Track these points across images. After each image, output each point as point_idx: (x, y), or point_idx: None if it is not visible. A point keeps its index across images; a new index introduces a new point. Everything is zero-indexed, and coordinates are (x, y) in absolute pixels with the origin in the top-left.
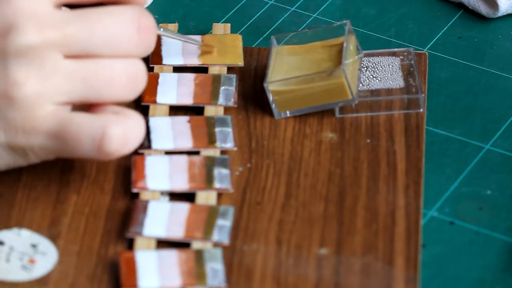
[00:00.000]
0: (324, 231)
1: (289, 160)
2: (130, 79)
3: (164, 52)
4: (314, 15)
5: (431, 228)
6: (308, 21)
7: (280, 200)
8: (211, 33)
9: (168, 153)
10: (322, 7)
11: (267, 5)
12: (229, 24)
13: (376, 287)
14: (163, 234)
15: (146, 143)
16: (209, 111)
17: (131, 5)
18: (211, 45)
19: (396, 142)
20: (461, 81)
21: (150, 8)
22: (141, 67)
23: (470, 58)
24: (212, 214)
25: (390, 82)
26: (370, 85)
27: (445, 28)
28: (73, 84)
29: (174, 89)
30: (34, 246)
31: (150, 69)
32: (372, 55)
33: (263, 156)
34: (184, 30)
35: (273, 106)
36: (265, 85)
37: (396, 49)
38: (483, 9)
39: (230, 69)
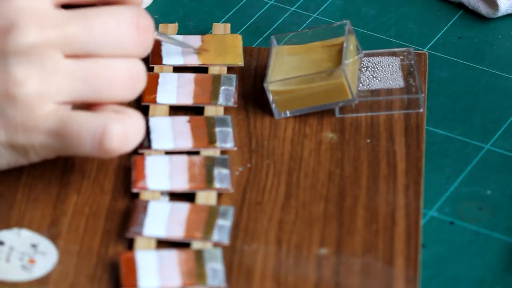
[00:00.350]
0: (324, 231)
1: (289, 160)
2: (130, 79)
3: (164, 52)
4: (314, 15)
5: (431, 228)
6: (308, 21)
7: (280, 200)
8: (211, 33)
9: (168, 153)
10: (322, 7)
11: (267, 5)
12: (229, 24)
13: (376, 287)
14: (163, 234)
15: (146, 143)
16: (209, 111)
17: (128, 5)
18: (204, 49)
19: (396, 142)
20: (461, 81)
21: (150, 8)
22: (141, 67)
23: (470, 58)
24: (212, 214)
25: (390, 82)
26: (370, 85)
27: (445, 28)
28: (74, 83)
29: (174, 89)
30: (34, 246)
31: (150, 69)
32: (372, 55)
33: (263, 156)
34: (184, 30)
35: (273, 106)
36: (265, 85)
37: (396, 49)
38: (483, 9)
39: (230, 69)
